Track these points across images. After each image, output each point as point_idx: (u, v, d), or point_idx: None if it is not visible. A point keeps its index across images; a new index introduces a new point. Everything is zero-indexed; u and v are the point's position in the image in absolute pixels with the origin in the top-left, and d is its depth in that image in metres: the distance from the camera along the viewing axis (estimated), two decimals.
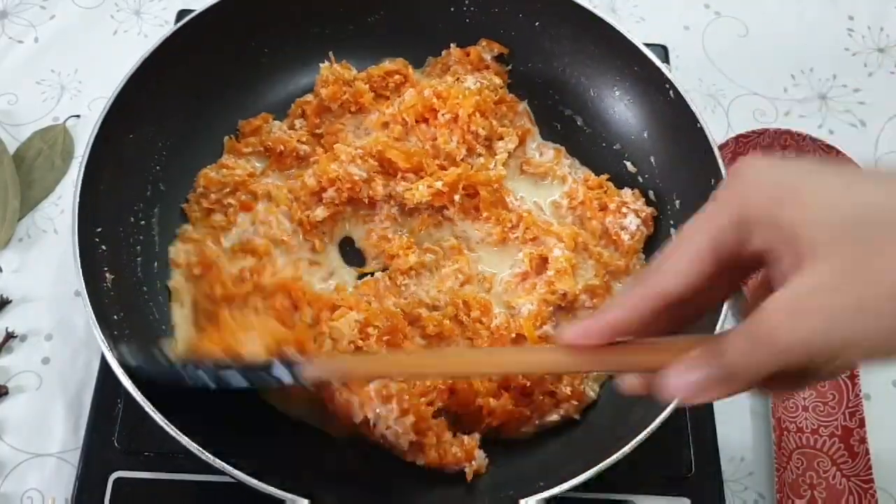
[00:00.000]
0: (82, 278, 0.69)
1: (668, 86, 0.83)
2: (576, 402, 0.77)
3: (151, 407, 0.64)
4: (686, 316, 0.47)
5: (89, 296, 0.69)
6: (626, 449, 0.65)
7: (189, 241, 0.84)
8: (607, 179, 0.89)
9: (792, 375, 0.42)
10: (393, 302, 0.80)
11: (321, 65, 0.91)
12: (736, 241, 0.41)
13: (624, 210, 0.85)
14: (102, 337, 0.67)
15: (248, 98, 0.93)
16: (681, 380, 0.43)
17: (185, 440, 0.63)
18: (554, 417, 0.77)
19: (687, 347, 0.44)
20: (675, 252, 0.44)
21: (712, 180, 0.78)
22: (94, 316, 0.68)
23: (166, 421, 0.64)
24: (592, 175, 0.90)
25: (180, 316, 0.81)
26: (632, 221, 0.85)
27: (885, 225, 0.38)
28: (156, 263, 0.83)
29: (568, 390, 0.76)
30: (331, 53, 0.92)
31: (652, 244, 0.86)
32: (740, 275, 0.46)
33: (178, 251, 0.84)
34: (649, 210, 0.86)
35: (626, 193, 0.87)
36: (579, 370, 0.62)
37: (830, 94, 1.07)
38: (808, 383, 0.51)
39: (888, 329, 0.37)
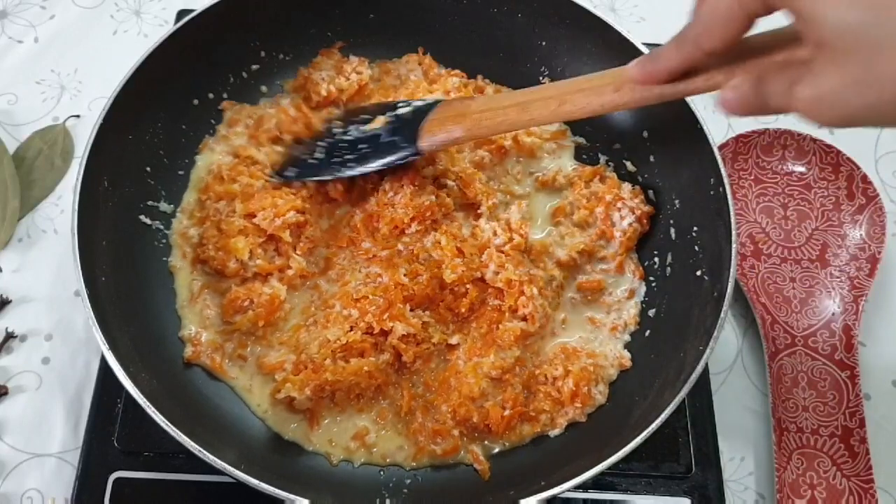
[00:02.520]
0: (82, 278, 0.69)
1: None
2: (579, 405, 0.77)
3: (152, 409, 0.64)
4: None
5: (89, 296, 0.69)
6: (629, 448, 0.65)
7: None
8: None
9: None
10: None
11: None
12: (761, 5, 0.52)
13: (619, 205, 0.86)
14: (102, 337, 0.67)
15: (246, 98, 0.93)
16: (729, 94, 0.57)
17: (185, 440, 0.63)
18: (558, 431, 0.77)
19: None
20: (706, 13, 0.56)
21: (712, 180, 0.78)
22: (93, 316, 0.68)
23: (167, 422, 0.64)
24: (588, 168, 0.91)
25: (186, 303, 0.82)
26: (626, 216, 0.85)
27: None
28: (157, 263, 0.83)
29: (570, 384, 0.76)
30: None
31: (648, 242, 0.86)
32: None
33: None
34: (646, 208, 0.86)
35: (626, 188, 0.87)
36: (643, 104, 0.69)
37: None
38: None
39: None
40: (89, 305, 0.68)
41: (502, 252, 0.82)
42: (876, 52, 0.46)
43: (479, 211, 0.85)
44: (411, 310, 0.78)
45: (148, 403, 0.64)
